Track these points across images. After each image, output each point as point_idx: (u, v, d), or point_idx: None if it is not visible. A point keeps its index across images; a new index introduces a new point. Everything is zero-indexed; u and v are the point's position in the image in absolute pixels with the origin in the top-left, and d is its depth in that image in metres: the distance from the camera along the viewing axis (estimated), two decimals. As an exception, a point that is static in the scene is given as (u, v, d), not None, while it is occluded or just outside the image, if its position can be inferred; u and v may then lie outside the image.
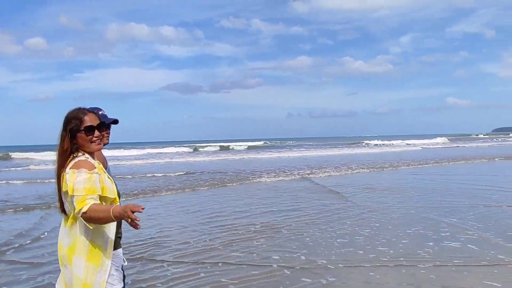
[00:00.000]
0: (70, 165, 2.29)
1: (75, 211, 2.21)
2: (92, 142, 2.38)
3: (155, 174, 17.98)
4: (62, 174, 2.31)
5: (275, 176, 16.40)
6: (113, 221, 2.19)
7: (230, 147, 50.20)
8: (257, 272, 5.13)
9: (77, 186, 2.20)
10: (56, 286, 2.46)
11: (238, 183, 14.47)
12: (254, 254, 5.86)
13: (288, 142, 73.58)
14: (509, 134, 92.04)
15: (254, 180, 14.98)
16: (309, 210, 8.89)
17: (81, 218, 2.21)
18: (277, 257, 5.65)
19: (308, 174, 16.87)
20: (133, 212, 2.06)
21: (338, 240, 6.48)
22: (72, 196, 2.21)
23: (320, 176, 16.09)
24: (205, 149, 47.55)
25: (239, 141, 66.68)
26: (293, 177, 15.95)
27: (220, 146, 50.81)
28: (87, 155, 2.38)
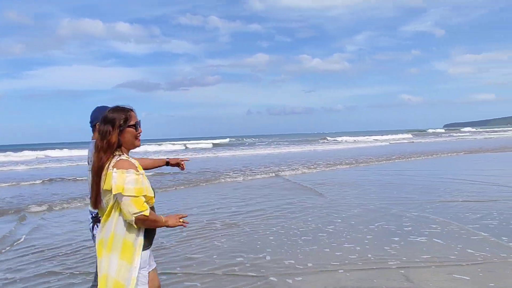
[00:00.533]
0: (113, 163, 2.35)
1: (132, 212, 2.30)
2: (136, 138, 2.48)
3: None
4: (105, 171, 2.35)
5: (244, 174, 15.74)
6: (162, 226, 2.48)
7: (193, 146, 49.00)
8: (220, 272, 4.81)
9: (127, 187, 2.29)
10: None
11: (207, 182, 13.80)
12: (215, 256, 5.52)
13: (251, 139, 72.72)
14: (459, 129, 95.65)
15: (223, 180, 14.33)
16: (273, 208, 8.62)
17: (133, 219, 2.31)
18: (241, 259, 5.33)
19: (278, 171, 16.42)
20: (180, 218, 2.54)
21: (302, 238, 6.24)
22: (120, 195, 2.29)
23: (292, 174, 15.72)
24: (169, 147, 46.21)
25: (202, 139, 65.58)
26: (265, 175, 15.43)
27: (184, 145, 49.59)
28: (126, 155, 2.45)
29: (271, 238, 6.28)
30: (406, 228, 6.52)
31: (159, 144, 46.96)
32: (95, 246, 2.57)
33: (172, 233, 6.61)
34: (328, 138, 59.03)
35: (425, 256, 5.10)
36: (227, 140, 65.79)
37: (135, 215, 2.31)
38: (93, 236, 3.09)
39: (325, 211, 8.15)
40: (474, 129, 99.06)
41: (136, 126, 2.47)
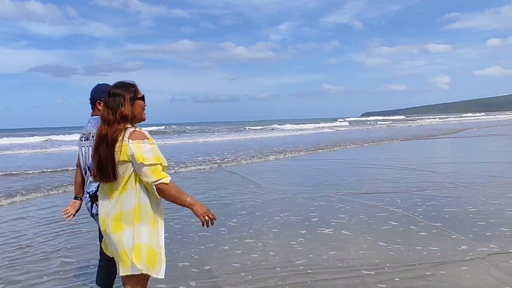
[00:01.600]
0: (128, 135, 2.40)
1: (150, 179, 2.36)
2: (143, 111, 2.54)
3: (33, 171, 12.90)
4: (119, 143, 2.38)
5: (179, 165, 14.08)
6: (183, 205, 2.45)
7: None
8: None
9: (147, 156, 2.36)
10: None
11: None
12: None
13: (179, 127, 68.02)
14: (377, 118, 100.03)
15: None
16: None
17: (154, 187, 2.38)
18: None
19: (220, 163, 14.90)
20: (211, 214, 2.47)
21: (199, 234, 5.51)
22: (142, 164, 2.35)
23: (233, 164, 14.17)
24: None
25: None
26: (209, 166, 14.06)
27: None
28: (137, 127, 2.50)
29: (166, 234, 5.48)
30: (313, 219, 6.07)
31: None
32: (98, 223, 2.64)
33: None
34: (276, 125, 56.42)
35: (332, 253, 4.62)
36: (153, 128, 62.15)
37: (155, 183, 2.38)
38: (94, 215, 2.95)
39: (227, 201, 7.53)
40: (403, 117, 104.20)
41: (143, 99, 2.55)
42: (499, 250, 4.46)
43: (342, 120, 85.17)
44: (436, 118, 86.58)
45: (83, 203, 3.17)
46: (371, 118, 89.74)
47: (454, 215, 5.95)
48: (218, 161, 14.59)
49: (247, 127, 55.80)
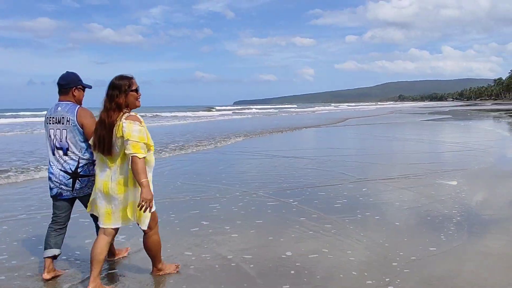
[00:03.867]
0: (124, 117, 3.05)
1: (131, 152, 2.97)
2: (137, 100, 3.18)
3: None
4: (116, 124, 3.03)
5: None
6: (138, 182, 2.99)
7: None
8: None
9: (133, 134, 2.99)
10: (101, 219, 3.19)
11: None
12: None
13: (28, 114, 57.99)
14: (248, 107, 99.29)
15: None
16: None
17: (131, 159, 2.98)
18: None
19: None
20: (151, 204, 3.01)
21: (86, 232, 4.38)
22: (128, 140, 2.97)
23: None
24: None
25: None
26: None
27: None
28: (132, 112, 3.16)
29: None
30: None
31: None
32: (80, 198, 3.46)
33: None
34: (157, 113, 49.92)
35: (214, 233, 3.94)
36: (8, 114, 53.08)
37: (131, 155, 2.97)
38: (77, 189, 3.42)
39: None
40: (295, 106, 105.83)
41: (137, 90, 3.18)
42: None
43: (222, 107, 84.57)
44: (320, 107, 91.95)
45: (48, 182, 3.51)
46: (253, 107, 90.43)
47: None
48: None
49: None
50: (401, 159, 10.44)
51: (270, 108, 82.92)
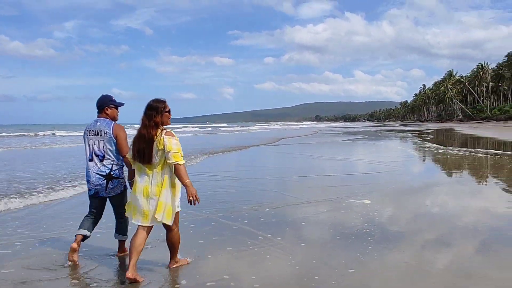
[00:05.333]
0: (164, 133, 3.73)
1: (173, 161, 3.67)
2: (169, 119, 3.87)
3: None
4: (157, 138, 3.71)
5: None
6: (183, 183, 3.70)
7: None
8: None
9: (173, 146, 3.68)
10: (136, 216, 3.81)
11: None
12: None
13: None
14: (180, 126, 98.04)
15: None
16: None
17: (173, 166, 3.70)
18: None
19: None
20: (196, 195, 3.67)
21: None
22: (169, 152, 3.66)
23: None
24: None
25: None
26: None
27: None
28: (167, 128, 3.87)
29: None
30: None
31: None
32: (109, 198, 4.31)
33: None
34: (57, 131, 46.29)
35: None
36: None
37: (174, 163, 3.68)
38: (109, 189, 4.25)
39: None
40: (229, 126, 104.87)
41: (169, 111, 3.87)
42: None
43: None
44: (250, 126, 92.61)
45: (87, 184, 4.35)
46: (190, 125, 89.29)
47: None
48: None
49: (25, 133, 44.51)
50: (329, 180, 10.76)
51: (208, 127, 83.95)
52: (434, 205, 7.19)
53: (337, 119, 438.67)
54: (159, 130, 3.73)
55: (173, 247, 4.02)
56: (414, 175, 11.80)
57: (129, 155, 3.91)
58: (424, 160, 16.29)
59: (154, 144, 3.68)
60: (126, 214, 4.00)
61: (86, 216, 4.34)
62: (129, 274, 3.62)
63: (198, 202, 3.61)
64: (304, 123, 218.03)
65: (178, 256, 4.12)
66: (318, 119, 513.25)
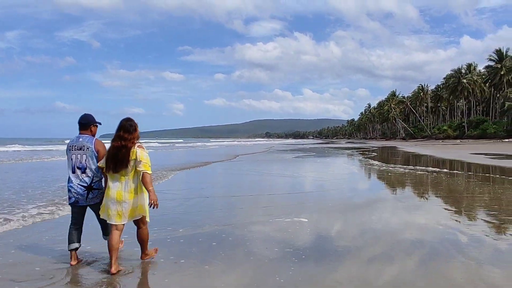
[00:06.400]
0: (137, 145, 4.51)
1: (142, 169, 4.45)
2: (139, 134, 4.63)
3: None
4: (132, 150, 4.45)
5: None
6: (148, 189, 4.49)
7: None
8: None
9: (145, 157, 4.47)
10: (113, 221, 4.50)
11: None
12: None
13: None
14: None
15: None
16: None
17: (142, 174, 4.48)
18: None
19: None
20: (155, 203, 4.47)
21: None
22: (140, 161, 4.43)
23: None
24: None
25: None
26: None
27: None
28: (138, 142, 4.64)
29: None
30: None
31: None
32: (92, 207, 4.83)
33: None
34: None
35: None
36: None
37: (143, 171, 4.45)
38: (89, 198, 4.78)
39: None
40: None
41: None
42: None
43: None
44: (209, 142, 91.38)
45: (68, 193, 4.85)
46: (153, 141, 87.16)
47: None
48: None
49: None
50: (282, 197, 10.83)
51: (168, 143, 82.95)
52: (374, 222, 7.33)
53: (286, 136, 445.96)
54: (134, 143, 4.47)
55: (143, 242, 4.80)
56: (356, 191, 12.09)
57: (101, 164, 4.60)
58: (368, 177, 16.79)
59: (129, 154, 4.41)
60: (101, 216, 4.59)
61: (70, 227, 4.83)
62: (113, 269, 4.35)
63: (156, 207, 4.43)
64: (255, 139, 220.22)
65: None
66: (268, 135, 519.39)
